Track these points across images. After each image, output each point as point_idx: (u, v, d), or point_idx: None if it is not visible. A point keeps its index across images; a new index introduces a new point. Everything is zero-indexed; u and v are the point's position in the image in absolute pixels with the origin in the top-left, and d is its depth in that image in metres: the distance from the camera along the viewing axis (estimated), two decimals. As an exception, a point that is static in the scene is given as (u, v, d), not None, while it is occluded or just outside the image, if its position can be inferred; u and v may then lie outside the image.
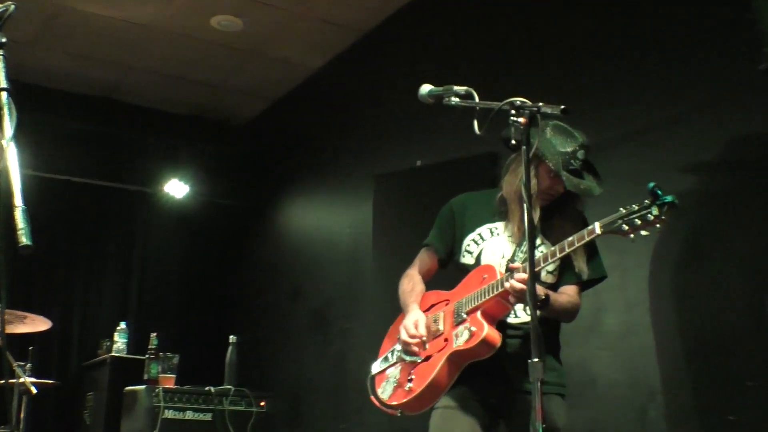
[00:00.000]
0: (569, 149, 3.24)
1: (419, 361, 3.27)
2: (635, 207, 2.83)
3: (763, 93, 3.74)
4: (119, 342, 7.15)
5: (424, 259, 3.61)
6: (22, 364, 5.68)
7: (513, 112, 2.76)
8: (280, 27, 7.04)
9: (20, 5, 7.12)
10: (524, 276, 2.95)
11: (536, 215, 3.24)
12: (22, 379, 5.44)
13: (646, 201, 2.79)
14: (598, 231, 2.90)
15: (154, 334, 6.38)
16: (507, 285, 3.03)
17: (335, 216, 7.16)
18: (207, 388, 5.93)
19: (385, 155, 6.41)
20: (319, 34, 7.14)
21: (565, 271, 3.33)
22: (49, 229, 7.93)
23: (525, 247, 3.17)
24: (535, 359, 2.50)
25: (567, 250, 2.99)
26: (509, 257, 3.32)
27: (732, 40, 3.92)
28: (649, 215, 2.77)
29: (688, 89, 4.22)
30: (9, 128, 2.21)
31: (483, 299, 3.17)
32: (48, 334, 5.84)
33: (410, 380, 3.29)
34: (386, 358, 3.52)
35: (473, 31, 5.89)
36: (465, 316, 3.21)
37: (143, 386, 5.88)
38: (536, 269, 2.98)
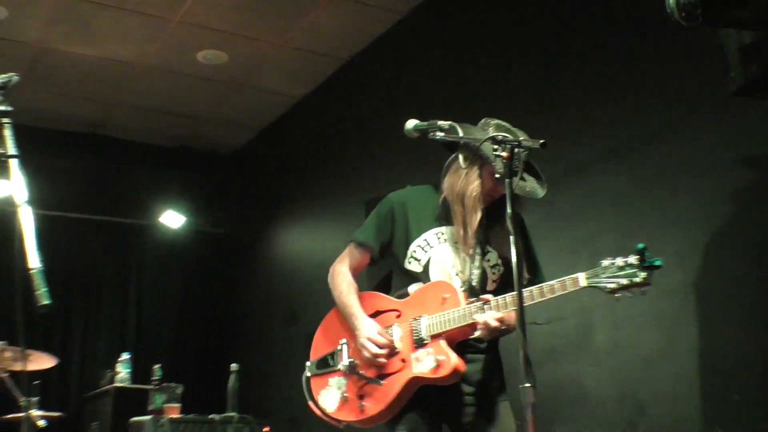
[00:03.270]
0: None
1: (380, 383, 3.16)
2: (620, 263, 2.83)
3: (734, 114, 3.84)
4: (122, 372, 7.23)
5: (355, 256, 3.47)
6: (30, 399, 5.83)
7: (495, 147, 2.80)
8: (264, 58, 7.22)
9: (5, 49, 7.31)
10: (499, 315, 2.98)
11: (477, 218, 3.19)
12: (29, 413, 5.60)
13: (633, 260, 2.79)
14: (582, 284, 2.89)
15: (158, 365, 6.47)
16: (480, 319, 3.00)
17: (327, 241, 7.23)
18: (211, 416, 5.99)
19: (374, 179, 6.49)
20: (301, 64, 7.31)
21: (509, 279, 3.12)
22: (45, 264, 8.02)
23: (486, 261, 3.24)
24: (527, 384, 2.50)
25: (546, 297, 2.92)
26: (462, 271, 3.24)
27: (705, 62, 3.99)
28: (636, 278, 2.77)
29: (659, 111, 4.33)
30: (22, 193, 2.36)
31: (449, 327, 3.09)
32: (51, 366, 5.97)
33: (361, 397, 3.20)
34: (325, 362, 3.36)
35: (452, 55, 6.01)
36: (427, 339, 3.12)
37: (149, 417, 5.96)
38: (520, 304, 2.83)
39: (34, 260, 2.23)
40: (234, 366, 6.31)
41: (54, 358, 5.80)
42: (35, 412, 5.68)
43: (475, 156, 3.17)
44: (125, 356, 7.41)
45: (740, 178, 3.92)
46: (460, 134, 3.17)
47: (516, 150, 2.81)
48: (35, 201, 2.37)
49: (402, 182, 6.12)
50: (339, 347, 3.32)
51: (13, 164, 2.42)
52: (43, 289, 2.19)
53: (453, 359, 3.06)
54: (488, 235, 3.26)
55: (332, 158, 7.41)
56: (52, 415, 6.15)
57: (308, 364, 3.41)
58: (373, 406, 3.17)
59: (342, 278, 3.44)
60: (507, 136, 2.82)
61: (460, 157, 3.26)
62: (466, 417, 3.20)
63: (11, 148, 2.45)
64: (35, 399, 5.87)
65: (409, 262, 3.31)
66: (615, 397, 4.35)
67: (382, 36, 6.77)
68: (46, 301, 2.18)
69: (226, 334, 8.71)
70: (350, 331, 3.31)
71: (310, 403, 3.35)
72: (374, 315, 3.31)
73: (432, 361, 3.09)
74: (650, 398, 4.17)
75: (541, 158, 3.09)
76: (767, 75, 3.14)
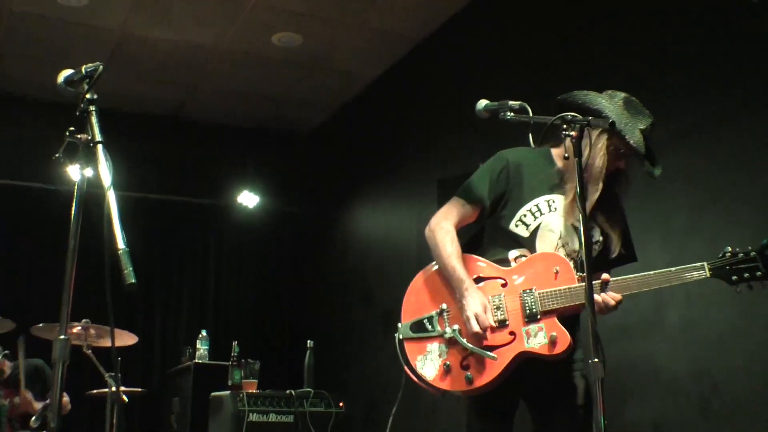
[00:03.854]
0: (644, 126, 3.14)
1: (494, 358, 3.02)
2: (741, 255, 2.86)
3: None
4: (201, 349, 7.40)
5: (463, 212, 3.31)
6: (113, 374, 6.03)
7: (564, 126, 2.76)
8: (338, 40, 7.29)
9: (88, 35, 7.51)
10: (619, 297, 2.98)
11: (597, 191, 3.12)
12: (113, 389, 5.80)
13: (753, 252, 2.83)
14: (706, 274, 2.90)
15: (236, 342, 6.62)
16: (599, 298, 2.96)
17: (401, 220, 7.33)
18: (288, 392, 6.11)
19: (448, 159, 6.53)
20: (375, 45, 7.37)
21: (605, 256, 3.24)
22: (127, 244, 8.25)
23: (590, 237, 3.09)
24: (595, 359, 2.52)
25: (666, 284, 2.96)
26: (568, 244, 3.20)
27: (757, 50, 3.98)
28: (758, 271, 2.81)
29: (735, 90, 4.28)
30: (108, 177, 2.48)
31: (566, 304, 3.03)
32: (132, 344, 6.16)
33: (466, 367, 3.08)
34: (422, 325, 3.20)
35: (523, 35, 6.01)
36: (539, 315, 3.05)
37: (228, 392, 6.10)
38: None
39: (120, 242, 2.33)
40: (310, 343, 6.43)
41: (134, 335, 5.97)
42: (119, 388, 5.90)
43: (606, 130, 3.08)
44: (204, 333, 7.56)
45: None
46: (530, 114, 3.06)
47: (585, 129, 2.77)
48: (117, 183, 2.48)
49: (475, 162, 6.16)
50: (439, 311, 3.18)
51: (100, 150, 2.53)
52: (130, 269, 2.29)
53: (568, 337, 3.00)
54: (595, 210, 3.17)
55: (405, 138, 7.47)
56: (135, 391, 6.36)
57: (400, 325, 3.22)
58: (481, 378, 3.05)
59: (449, 237, 3.24)
60: (577, 116, 2.76)
61: (588, 129, 3.03)
62: (546, 390, 3.16)
63: (98, 134, 2.56)
64: (117, 375, 6.08)
65: (516, 225, 3.22)
66: (688, 373, 4.35)
67: (454, 16, 6.78)
68: (132, 281, 2.27)
69: (302, 312, 8.86)
70: (450, 295, 3.18)
71: (406, 368, 3.18)
72: (476, 281, 3.18)
73: (543, 337, 3.02)
74: (723, 375, 4.16)
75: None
76: None
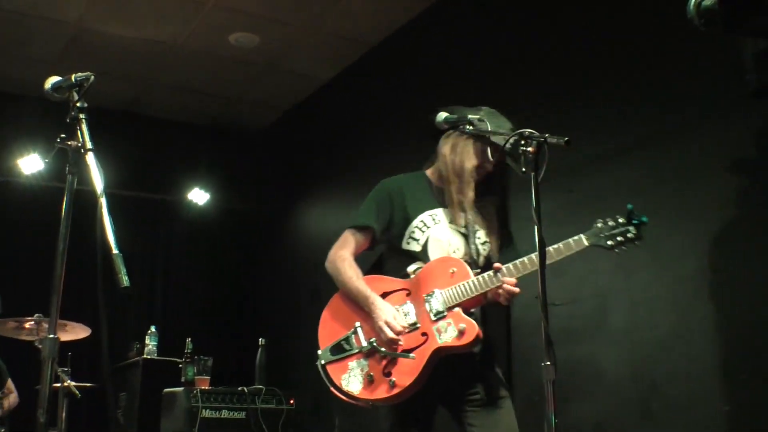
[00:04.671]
0: (500, 128, 3.41)
1: (412, 357, 3.26)
2: (611, 222, 3.20)
3: (749, 114, 3.98)
4: (150, 345, 7.40)
5: (356, 241, 3.57)
6: (65, 369, 6.05)
7: (522, 142, 2.88)
8: (294, 42, 7.37)
9: (45, 27, 7.48)
10: (513, 280, 3.24)
11: (471, 192, 3.46)
12: (66, 383, 5.83)
13: (621, 219, 3.19)
14: (585, 243, 3.20)
15: (189, 339, 6.63)
16: (501, 282, 3.23)
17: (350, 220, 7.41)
18: (240, 388, 6.18)
19: (396, 161, 6.62)
20: (330, 48, 7.46)
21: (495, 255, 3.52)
22: (76, 239, 8.22)
23: (477, 238, 3.48)
24: (547, 362, 2.63)
25: (555, 258, 3.20)
26: (459, 248, 3.47)
27: (722, 63, 4.12)
28: (629, 233, 3.16)
29: (678, 108, 4.44)
30: (99, 183, 2.56)
31: (465, 297, 3.28)
32: (84, 338, 6.15)
33: (388, 374, 3.30)
34: (340, 347, 3.45)
35: (476, 44, 6.10)
36: (445, 311, 3.29)
37: (181, 388, 6.14)
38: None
39: (114, 246, 2.42)
40: (262, 341, 6.49)
41: (87, 328, 5.99)
42: (71, 382, 5.93)
43: (471, 134, 3.44)
44: (153, 329, 7.57)
45: (751, 174, 4.07)
46: (489, 128, 3.38)
47: (542, 146, 2.88)
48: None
49: (423, 163, 6.29)
50: (353, 330, 3.44)
51: (91, 157, 2.61)
52: (123, 273, 2.38)
53: (476, 326, 3.25)
54: (476, 214, 3.52)
55: (356, 139, 7.56)
56: (83, 386, 6.37)
57: (320, 352, 3.50)
58: (404, 380, 3.27)
59: (348, 264, 3.53)
60: (534, 132, 2.89)
61: (455, 134, 3.51)
62: (458, 391, 3.42)
63: (88, 141, 2.64)
64: (68, 369, 6.09)
65: (408, 243, 3.50)
66: (630, 376, 4.48)
67: (409, 22, 6.89)
68: (126, 284, 2.36)
69: (253, 310, 8.90)
70: (361, 314, 3.44)
71: (332, 390, 3.43)
72: (383, 296, 3.43)
73: (453, 331, 3.26)
74: (664, 378, 4.30)
75: (565, 148, 3.20)
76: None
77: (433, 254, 3.46)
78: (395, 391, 3.28)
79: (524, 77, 5.55)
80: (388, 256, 3.63)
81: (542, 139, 2.87)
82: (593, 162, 4.88)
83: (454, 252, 3.48)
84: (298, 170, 8.63)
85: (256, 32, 7.21)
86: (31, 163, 7.72)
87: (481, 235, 3.53)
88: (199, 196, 8.83)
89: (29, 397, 6.39)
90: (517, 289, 3.25)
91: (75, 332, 6.02)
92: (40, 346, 5.59)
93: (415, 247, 3.48)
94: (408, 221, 3.51)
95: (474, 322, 3.27)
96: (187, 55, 7.63)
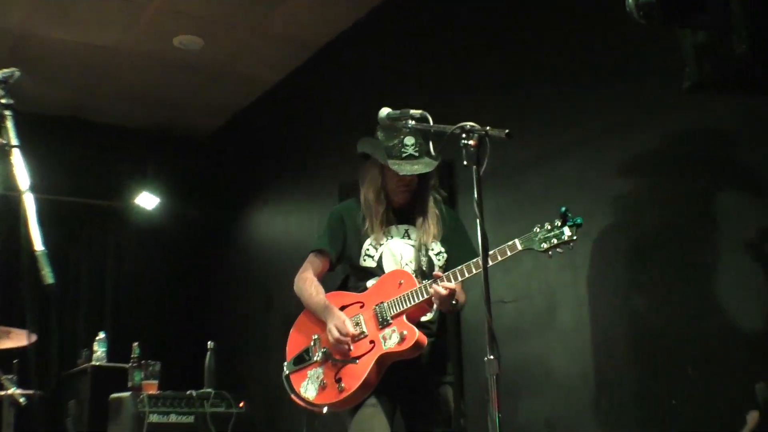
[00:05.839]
0: (394, 141, 3.66)
1: (356, 362, 3.51)
2: (548, 226, 3.29)
3: (689, 109, 4.01)
4: (99, 351, 7.30)
5: (316, 263, 3.87)
6: (9, 376, 5.95)
7: (464, 135, 2.88)
8: (239, 44, 7.34)
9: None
10: (451, 285, 3.39)
11: (381, 210, 3.73)
12: (10, 391, 5.73)
13: (557, 221, 3.25)
14: (519, 247, 3.32)
15: (136, 343, 6.58)
16: (431, 290, 3.41)
17: (302, 224, 7.39)
18: (188, 392, 6.15)
19: (348, 164, 6.61)
20: (277, 51, 7.44)
21: (452, 263, 3.67)
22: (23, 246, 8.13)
23: (430, 250, 3.71)
24: (491, 357, 2.65)
25: (491, 263, 3.27)
26: (412, 261, 3.72)
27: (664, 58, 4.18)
28: (563, 235, 3.24)
29: (621, 104, 4.48)
30: (25, 180, 2.54)
31: (408, 305, 3.52)
32: (30, 344, 6.07)
33: (339, 380, 3.54)
34: (301, 358, 3.71)
35: (425, 45, 6.13)
36: (390, 320, 3.54)
37: (128, 393, 6.08)
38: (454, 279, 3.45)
39: (38, 243, 2.40)
40: (210, 344, 6.45)
41: (32, 335, 5.90)
42: (16, 390, 5.82)
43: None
44: (102, 335, 7.47)
45: (693, 168, 4.11)
46: (431, 123, 3.35)
47: (484, 139, 2.88)
48: (11, 183, 2.54)
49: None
50: (312, 342, 3.69)
51: (16, 153, 2.59)
52: (48, 270, 2.37)
53: (417, 332, 3.48)
54: (424, 223, 3.77)
55: (306, 142, 7.54)
56: (30, 393, 6.27)
57: (285, 363, 3.75)
58: (351, 383, 3.50)
59: (309, 283, 3.81)
60: (475, 126, 2.88)
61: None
62: (414, 399, 3.65)
63: (14, 138, 2.62)
64: (13, 377, 5.99)
65: (364, 260, 3.75)
66: (579, 373, 4.52)
67: (356, 24, 6.89)
68: (51, 281, 2.35)
69: (202, 314, 8.84)
70: (321, 328, 3.68)
71: (293, 397, 3.68)
72: (341, 309, 3.67)
73: (397, 337, 3.49)
74: (613, 374, 4.36)
75: (512, 145, 3.17)
76: (719, 73, 3.33)
77: (388, 268, 3.71)
78: (343, 395, 3.51)
79: (468, 77, 5.59)
80: (350, 273, 3.86)
81: (483, 132, 2.89)
82: (537, 160, 4.93)
83: (407, 265, 3.72)
84: (249, 175, 8.60)
85: (200, 35, 7.17)
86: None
87: (434, 247, 3.74)
88: (147, 201, 8.74)
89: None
90: (444, 292, 3.39)
91: (19, 339, 5.91)
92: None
93: (371, 264, 3.74)
94: (362, 240, 3.76)
95: (414, 327, 3.49)
96: (131, 59, 7.57)
